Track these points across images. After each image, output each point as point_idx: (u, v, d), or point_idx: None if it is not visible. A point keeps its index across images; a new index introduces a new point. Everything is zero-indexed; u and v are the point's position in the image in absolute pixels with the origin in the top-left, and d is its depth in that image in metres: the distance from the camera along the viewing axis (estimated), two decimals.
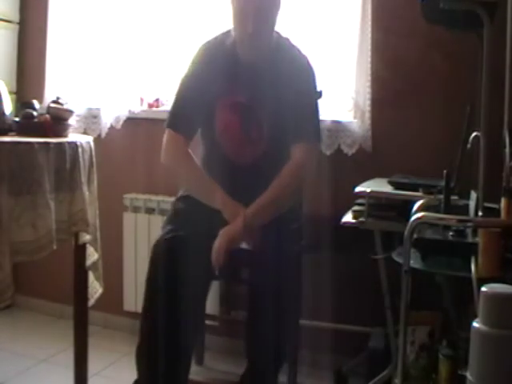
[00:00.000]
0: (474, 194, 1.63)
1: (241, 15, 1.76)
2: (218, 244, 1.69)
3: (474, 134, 1.58)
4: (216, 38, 1.90)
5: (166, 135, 1.85)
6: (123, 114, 2.59)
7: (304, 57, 1.89)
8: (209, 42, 1.91)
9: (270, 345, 1.68)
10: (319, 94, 2.19)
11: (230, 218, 1.72)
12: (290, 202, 1.81)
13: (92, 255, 1.93)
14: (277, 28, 1.87)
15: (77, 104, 2.63)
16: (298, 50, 1.89)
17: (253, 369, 1.74)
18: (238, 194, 1.75)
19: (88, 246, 1.91)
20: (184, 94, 1.85)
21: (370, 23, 2.20)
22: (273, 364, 1.73)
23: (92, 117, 2.65)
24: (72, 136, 1.86)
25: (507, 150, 1.48)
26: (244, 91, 1.83)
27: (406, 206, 1.63)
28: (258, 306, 1.69)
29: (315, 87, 1.90)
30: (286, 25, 2.18)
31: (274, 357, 1.71)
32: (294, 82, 1.81)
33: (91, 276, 1.97)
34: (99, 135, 2.59)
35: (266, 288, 1.66)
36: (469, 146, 1.59)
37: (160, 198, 2.51)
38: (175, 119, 1.85)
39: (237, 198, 1.75)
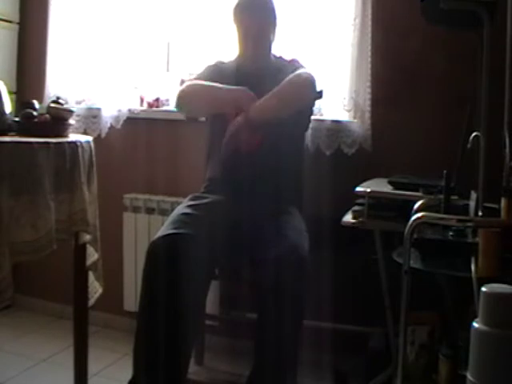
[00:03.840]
0: (474, 194, 1.63)
1: (243, 36, 2.01)
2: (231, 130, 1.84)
3: (473, 133, 1.58)
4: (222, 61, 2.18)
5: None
6: (123, 113, 2.59)
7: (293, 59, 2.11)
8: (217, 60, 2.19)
9: (282, 344, 1.69)
10: (320, 94, 2.20)
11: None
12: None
13: (92, 255, 1.93)
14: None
15: (77, 104, 2.64)
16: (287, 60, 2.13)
17: (263, 369, 1.74)
18: (242, 176, 1.88)
19: (88, 245, 1.91)
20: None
21: (370, 23, 2.20)
22: (284, 364, 1.73)
23: (92, 117, 2.64)
24: (72, 136, 1.86)
25: (507, 149, 1.48)
26: (251, 87, 1.96)
27: (406, 206, 1.63)
28: (268, 306, 1.69)
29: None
30: (286, 25, 2.19)
31: (285, 357, 1.71)
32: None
33: (91, 276, 1.97)
34: (99, 135, 2.59)
35: (276, 287, 1.66)
36: (469, 146, 1.59)
37: (160, 197, 2.51)
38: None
39: (241, 178, 1.89)
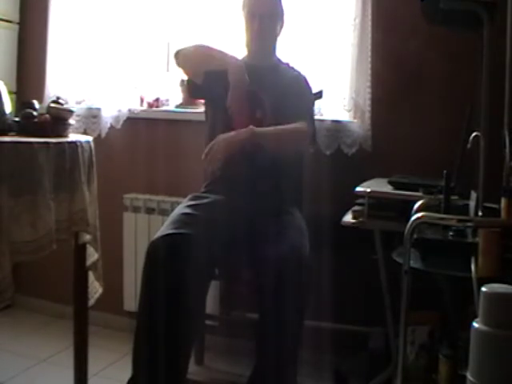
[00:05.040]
0: (474, 194, 1.63)
1: (250, 16, 2.03)
2: (217, 145, 1.78)
3: (473, 134, 1.58)
4: None
5: None
6: (123, 113, 2.59)
7: (299, 71, 2.13)
8: None
9: (283, 344, 1.69)
10: (320, 94, 2.20)
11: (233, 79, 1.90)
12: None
13: (92, 255, 1.93)
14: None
15: (77, 104, 2.64)
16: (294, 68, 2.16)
17: (264, 369, 1.74)
18: (241, 164, 1.87)
19: (88, 246, 1.91)
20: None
21: (369, 23, 2.20)
22: (285, 364, 1.73)
23: (92, 117, 2.64)
24: (72, 136, 1.86)
25: (507, 150, 1.48)
26: (252, 83, 1.98)
27: (406, 206, 1.63)
28: (269, 306, 1.69)
29: (311, 94, 2.12)
30: (287, 25, 2.19)
31: (285, 356, 1.71)
32: (293, 84, 2.05)
33: (91, 276, 1.97)
34: (99, 135, 2.59)
35: (276, 287, 1.66)
36: (469, 146, 1.59)
37: (160, 197, 2.51)
38: None
39: (239, 167, 1.88)
